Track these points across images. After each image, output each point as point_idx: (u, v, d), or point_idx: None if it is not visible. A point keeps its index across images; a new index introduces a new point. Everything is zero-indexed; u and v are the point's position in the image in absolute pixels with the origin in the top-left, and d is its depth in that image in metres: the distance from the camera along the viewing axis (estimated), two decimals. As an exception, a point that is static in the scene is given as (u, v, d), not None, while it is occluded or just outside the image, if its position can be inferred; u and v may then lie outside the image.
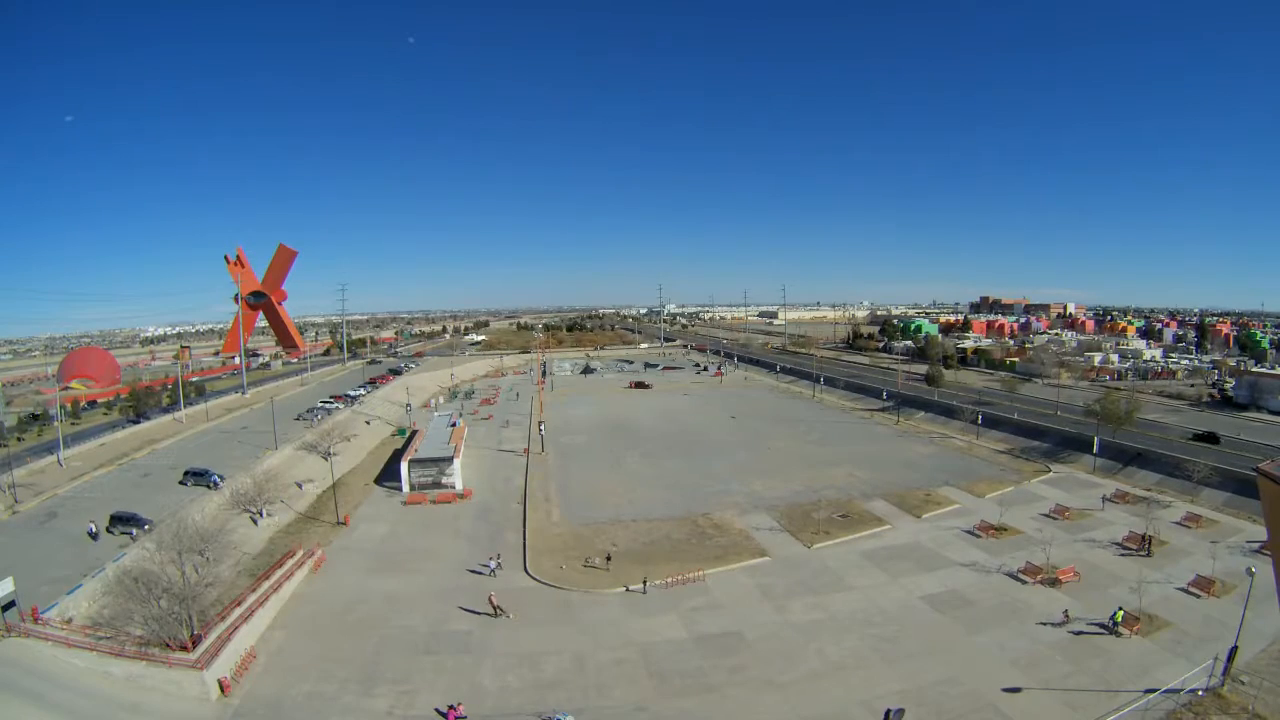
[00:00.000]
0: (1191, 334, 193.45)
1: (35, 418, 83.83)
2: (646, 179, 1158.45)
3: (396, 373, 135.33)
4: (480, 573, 41.12)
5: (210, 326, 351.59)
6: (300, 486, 58.39)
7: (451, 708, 27.07)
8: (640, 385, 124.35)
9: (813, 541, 46.04)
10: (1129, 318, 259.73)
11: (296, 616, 36.30)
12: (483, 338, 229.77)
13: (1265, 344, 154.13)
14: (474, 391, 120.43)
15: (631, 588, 38.90)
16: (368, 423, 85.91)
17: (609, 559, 42.32)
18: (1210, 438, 72.26)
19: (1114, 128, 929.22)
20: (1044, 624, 33.86)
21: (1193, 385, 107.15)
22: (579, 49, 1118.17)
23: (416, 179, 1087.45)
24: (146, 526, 45.26)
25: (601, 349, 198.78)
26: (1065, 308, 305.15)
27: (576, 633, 34.42)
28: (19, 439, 76.12)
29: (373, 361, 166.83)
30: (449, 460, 60.02)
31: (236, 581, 38.84)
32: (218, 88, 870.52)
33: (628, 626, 34.94)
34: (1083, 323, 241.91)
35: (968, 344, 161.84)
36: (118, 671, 28.74)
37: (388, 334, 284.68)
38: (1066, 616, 33.74)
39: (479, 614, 36.02)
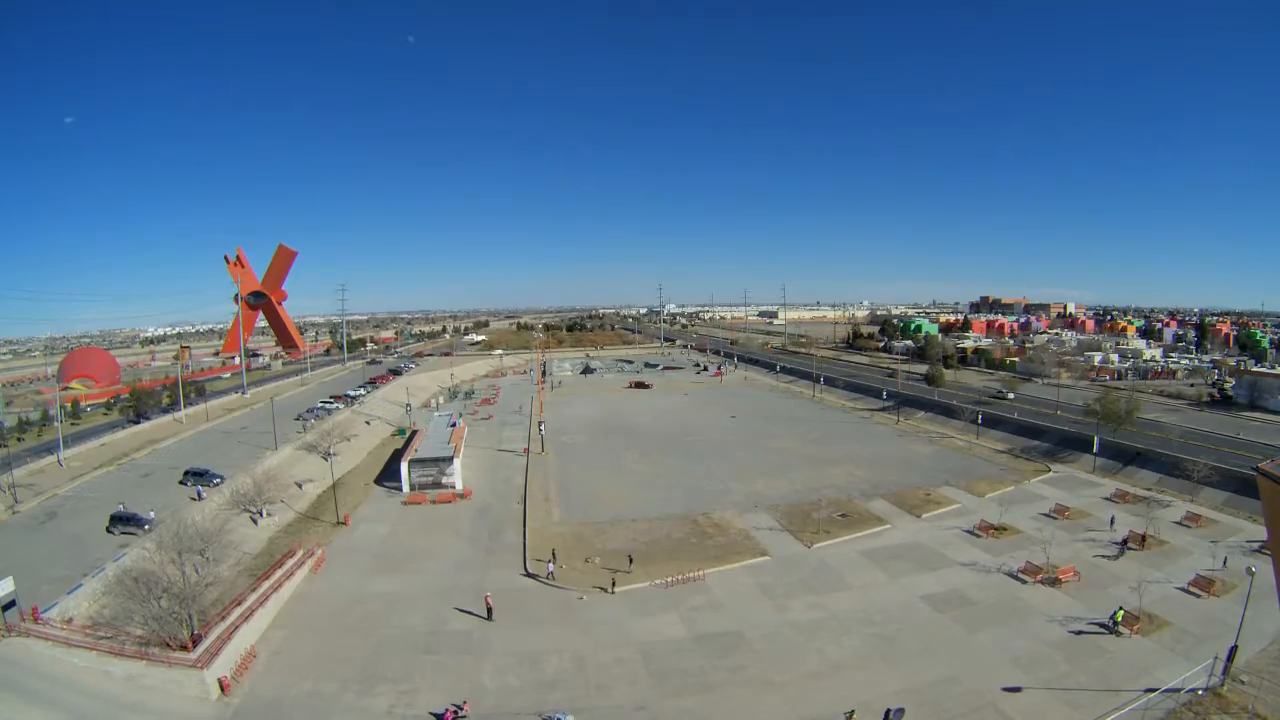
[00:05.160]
0: (1191, 333, 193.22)
1: (24, 423, 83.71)
2: (646, 179, 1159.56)
3: (396, 373, 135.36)
4: (538, 577, 40.94)
5: (210, 326, 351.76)
6: (300, 486, 58.38)
7: (452, 711, 27.01)
8: (640, 385, 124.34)
9: (813, 541, 46.05)
10: (1129, 317, 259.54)
11: (297, 616, 36.29)
12: (483, 338, 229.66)
13: (1265, 343, 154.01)
14: (474, 391, 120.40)
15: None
16: (368, 423, 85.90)
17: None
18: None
19: (1114, 127, 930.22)
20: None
21: (1193, 385, 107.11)
22: (579, 49, 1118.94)
23: (416, 179, 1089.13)
24: (146, 526, 45.34)
25: (601, 349, 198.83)
26: (1065, 307, 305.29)
27: (577, 632, 34.41)
28: (19, 439, 76.13)
29: (373, 361, 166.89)
30: (449, 460, 60.01)
31: (236, 581, 38.86)
32: (217, 88, 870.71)
33: (628, 626, 34.93)
34: (1083, 322, 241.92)
35: (968, 344, 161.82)
36: (118, 671, 28.74)
37: (388, 334, 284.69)
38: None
39: (475, 615, 36.04)
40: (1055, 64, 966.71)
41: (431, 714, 27.38)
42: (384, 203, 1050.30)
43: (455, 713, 26.94)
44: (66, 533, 46.59)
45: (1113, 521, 48.11)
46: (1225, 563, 40.47)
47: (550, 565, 41.27)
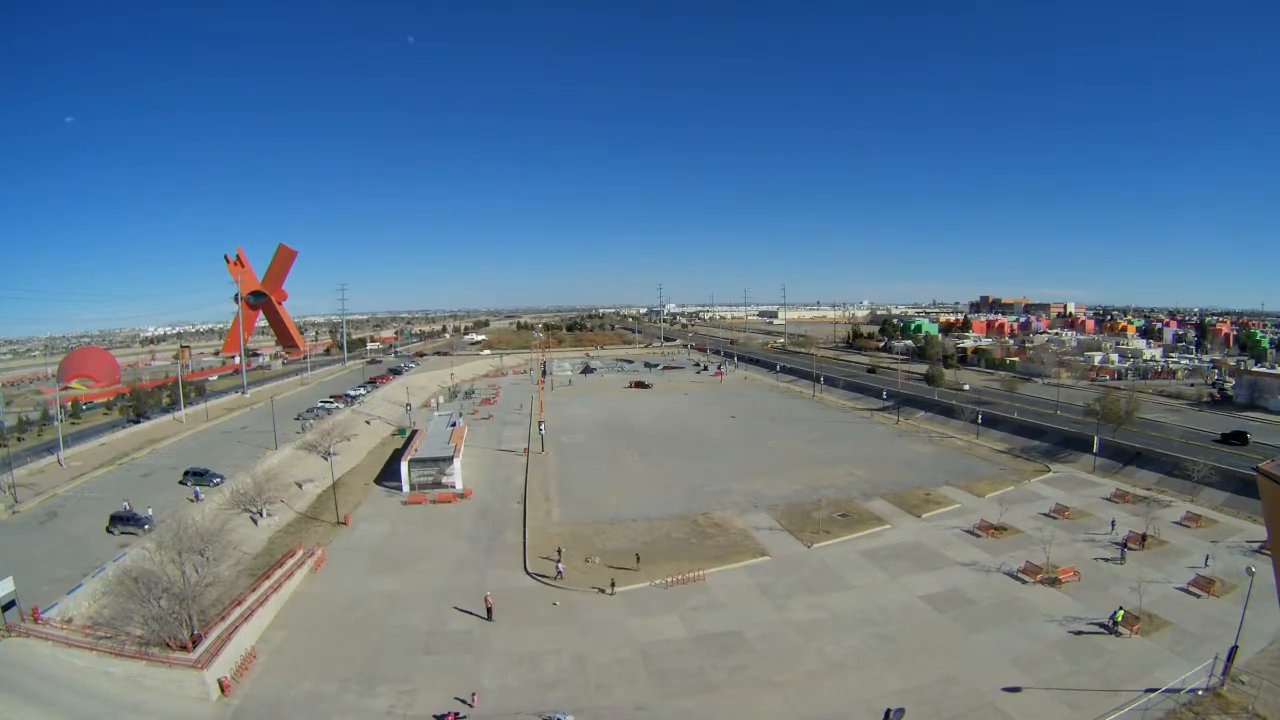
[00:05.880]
0: (1191, 333, 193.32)
1: (24, 423, 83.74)
2: (647, 178, 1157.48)
3: (396, 372, 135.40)
4: (544, 576, 40.83)
5: (210, 326, 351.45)
6: (300, 486, 58.38)
7: (454, 714, 26.97)
8: (640, 385, 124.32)
9: (813, 541, 46.05)
10: (1129, 317, 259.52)
11: (297, 616, 36.30)
12: (483, 338, 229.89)
13: (1265, 343, 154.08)
14: (474, 391, 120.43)
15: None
16: (368, 422, 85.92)
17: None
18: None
19: (1114, 127, 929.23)
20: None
21: (1193, 385, 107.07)
22: (579, 49, 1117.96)
23: (416, 179, 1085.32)
24: (146, 526, 45.34)
25: (601, 349, 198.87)
26: (1065, 307, 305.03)
27: (576, 632, 34.43)
28: (19, 439, 76.14)
29: (373, 361, 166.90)
30: (449, 460, 60.01)
31: (236, 581, 38.77)
32: (218, 88, 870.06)
33: (628, 626, 34.95)
34: (1083, 322, 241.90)
35: (968, 343, 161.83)
36: (118, 671, 28.75)
37: (388, 334, 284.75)
38: None
39: (475, 615, 36.07)
40: (1055, 63, 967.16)
41: (434, 716, 27.29)
42: (384, 203, 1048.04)
43: (457, 715, 26.93)
44: (66, 533, 46.59)
45: (1114, 524, 47.64)
46: (1207, 561, 40.55)
47: (560, 565, 41.18)
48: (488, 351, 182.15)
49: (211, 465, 60.77)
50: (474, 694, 28.18)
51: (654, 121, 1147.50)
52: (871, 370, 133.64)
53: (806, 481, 60.16)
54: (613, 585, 38.80)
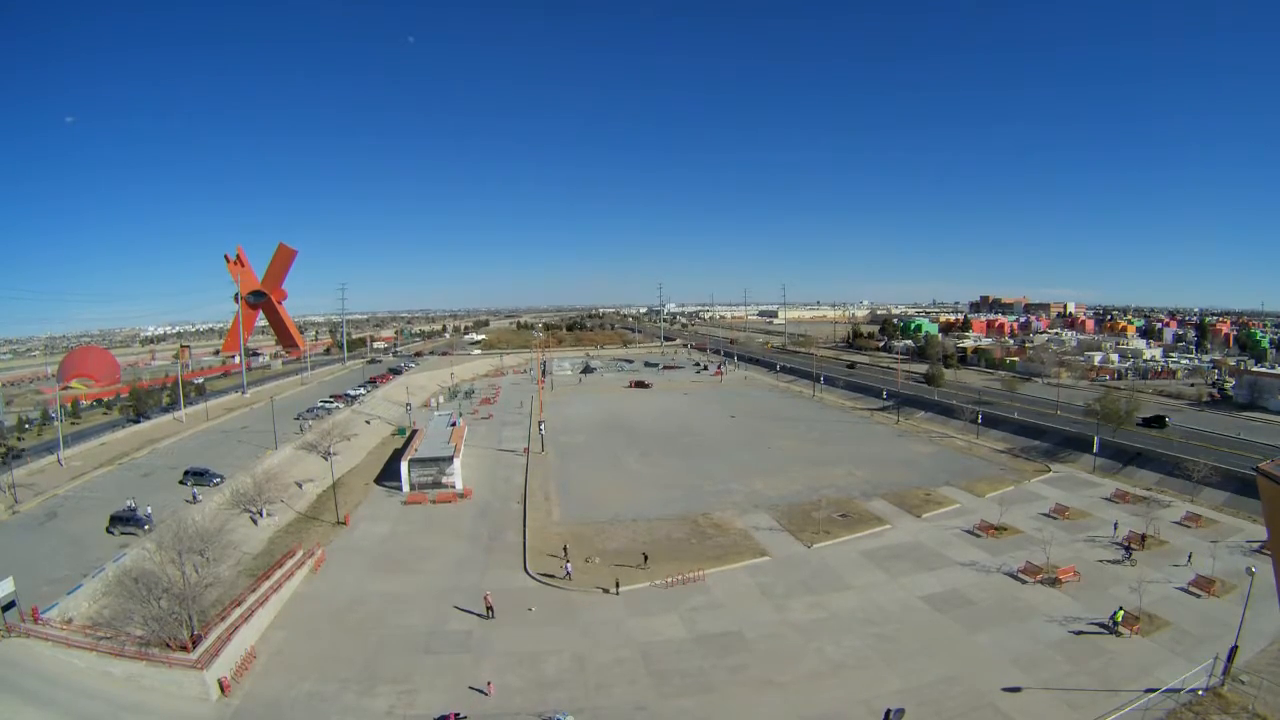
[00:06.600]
0: (1191, 333, 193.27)
1: (24, 423, 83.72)
2: (646, 179, 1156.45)
3: (396, 372, 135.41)
4: (553, 576, 40.77)
5: (210, 326, 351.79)
6: (300, 486, 58.36)
7: (455, 715, 26.96)
8: (640, 384, 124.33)
9: (813, 541, 46.05)
10: (1129, 317, 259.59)
11: (297, 616, 36.30)
12: (483, 337, 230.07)
13: (1265, 343, 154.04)
14: (474, 391, 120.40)
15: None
16: (368, 422, 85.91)
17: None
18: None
19: (1114, 127, 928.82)
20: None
21: (1192, 385, 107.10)
22: (579, 48, 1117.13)
23: (416, 178, 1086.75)
24: (146, 526, 45.34)
25: (601, 348, 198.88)
26: (1065, 307, 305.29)
27: (577, 632, 34.42)
28: (19, 439, 76.12)
29: (373, 361, 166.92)
30: (449, 460, 60.01)
31: (236, 581, 38.83)
32: (218, 88, 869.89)
33: (628, 626, 34.94)
34: (1083, 322, 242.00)
35: (968, 343, 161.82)
36: (118, 671, 28.76)
37: (388, 333, 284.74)
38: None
39: (474, 614, 36.08)
40: (1055, 63, 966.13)
41: (436, 718, 27.19)
42: (384, 203, 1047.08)
43: (458, 716, 26.91)
44: (66, 533, 46.59)
45: (1116, 526, 47.08)
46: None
47: (568, 564, 41.13)
48: (478, 351, 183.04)
49: (211, 465, 60.74)
50: (489, 683, 28.32)
51: (654, 121, 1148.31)
52: (850, 366, 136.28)
53: (806, 481, 60.15)
54: (617, 585, 38.80)
